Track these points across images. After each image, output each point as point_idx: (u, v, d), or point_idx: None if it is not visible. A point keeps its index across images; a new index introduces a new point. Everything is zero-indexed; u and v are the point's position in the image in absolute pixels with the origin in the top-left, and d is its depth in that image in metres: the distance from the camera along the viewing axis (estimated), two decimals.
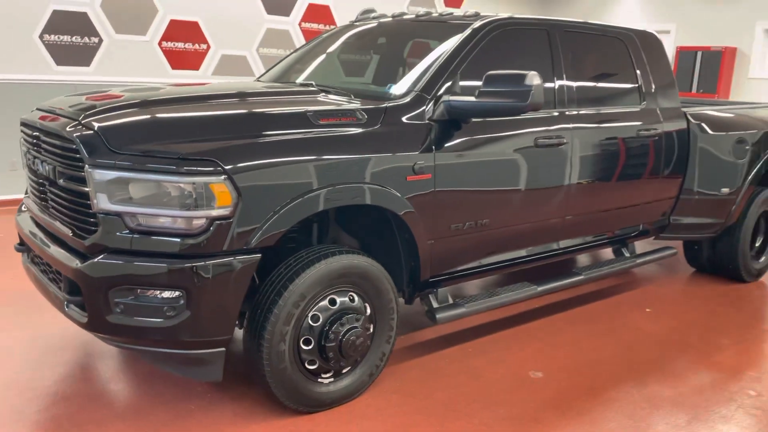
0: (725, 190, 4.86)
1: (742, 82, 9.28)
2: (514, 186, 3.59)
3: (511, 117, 3.40)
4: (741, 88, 9.29)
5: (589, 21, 4.32)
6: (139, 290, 2.62)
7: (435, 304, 3.51)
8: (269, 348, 2.79)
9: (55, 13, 6.80)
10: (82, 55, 7.07)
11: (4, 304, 4.24)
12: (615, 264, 4.48)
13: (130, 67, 7.38)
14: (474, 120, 3.35)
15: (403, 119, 3.17)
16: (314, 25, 8.74)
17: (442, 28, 3.75)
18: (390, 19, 4.17)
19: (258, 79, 4.45)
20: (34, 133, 3.05)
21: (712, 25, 9.46)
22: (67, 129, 2.71)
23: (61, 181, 2.78)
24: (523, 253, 3.86)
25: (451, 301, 3.59)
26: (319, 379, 3.01)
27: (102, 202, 2.57)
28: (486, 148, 3.43)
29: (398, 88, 3.38)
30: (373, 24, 4.23)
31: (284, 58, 4.53)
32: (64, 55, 6.96)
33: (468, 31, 3.53)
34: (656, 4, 10.08)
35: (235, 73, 8.15)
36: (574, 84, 3.94)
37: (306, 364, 2.94)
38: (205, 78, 7.95)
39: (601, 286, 5.03)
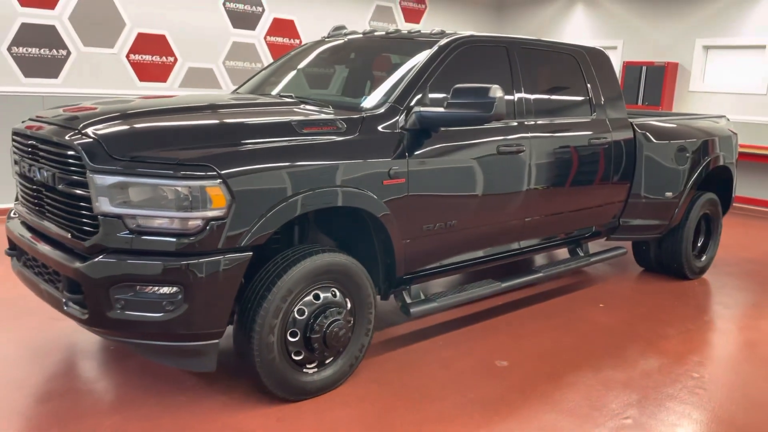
0: (669, 194, 5.28)
1: (683, 94, 9.88)
2: (478, 190, 3.88)
3: (476, 126, 3.71)
4: (682, 100, 9.88)
5: (544, 39, 4.68)
6: (138, 287, 2.81)
7: (408, 300, 3.77)
8: (259, 340, 3.00)
9: (23, 26, 6.87)
10: (50, 68, 7.14)
11: None
12: (571, 262, 4.84)
13: (98, 79, 7.47)
14: (443, 129, 3.65)
15: (379, 128, 3.45)
16: (279, 39, 8.97)
17: (411, 44, 4.04)
18: (361, 35, 4.45)
19: (236, 91, 4.66)
20: (29, 143, 3.21)
21: (656, 41, 10.05)
22: (67, 137, 2.90)
23: (60, 187, 2.95)
24: (488, 252, 4.16)
25: (422, 297, 3.86)
26: (304, 369, 3.24)
27: (103, 205, 2.76)
28: (453, 155, 3.73)
29: (373, 100, 3.66)
30: (346, 40, 4.51)
31: (260, 72, 4.75)
32: (32, 67, 7.01)
33: (435, 48, 3.84)
34: (604, 21, 10.65)
35: (202, 86, 8.31)
36: (532, 96, 4.28)
37: (292, 355, 3.16)
38: (173, 90, 8.08)
39: (559, 285, 5.39)
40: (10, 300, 4.51)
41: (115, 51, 7.59)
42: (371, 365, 3.68)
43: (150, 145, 2.87)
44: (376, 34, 4.39)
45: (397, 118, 3.52)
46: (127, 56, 7.68)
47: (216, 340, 2.96)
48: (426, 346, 4.03)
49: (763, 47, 9.04)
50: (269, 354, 3.05)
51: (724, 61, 9.54)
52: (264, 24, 8.79)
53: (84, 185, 2.83)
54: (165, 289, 2.81)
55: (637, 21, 10.26)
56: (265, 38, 8.84)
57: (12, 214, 3.66)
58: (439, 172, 3.65)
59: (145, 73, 7.83)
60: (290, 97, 3.91)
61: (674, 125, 5.51)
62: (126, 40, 7.63)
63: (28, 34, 6.93)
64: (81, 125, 2.95)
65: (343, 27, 4.75)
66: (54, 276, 3.10)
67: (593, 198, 4.80)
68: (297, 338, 3.14)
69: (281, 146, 3.05)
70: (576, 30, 10.99)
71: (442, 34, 4.03)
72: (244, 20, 8.57)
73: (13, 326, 4.09)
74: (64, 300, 2.99)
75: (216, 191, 2.78)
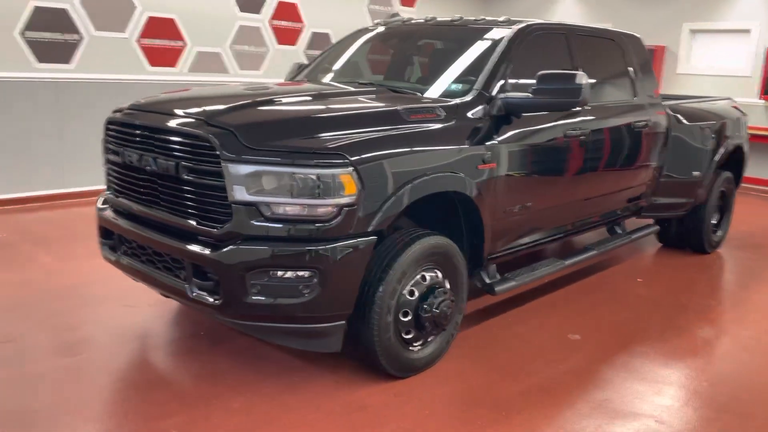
0: (696, 173, 5.58)
1: (671, 77, 10.29)
2: (549, 173, 4.09)
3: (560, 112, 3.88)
4: (670, 82, 10.29)
5: (590, 25, 4.87)
6: (275, 272, 2.89)
7: (487, 280, 3.94)
8: (379, 320, 3.13)
9: (36, 9, 6.69)
10: (63, 52, 6.97)
11: (59, 298, 4.32)
12: (617, 240, 5.10)
13: (110, 64, 7.33)
14: (523, 115, 3.81)
15: (469, 114, 3.59)
16: (283, 23, 8.94)
17: (484, 32, 4.16)
18: (425, 22, 4.54)
19: (294, 78, 4.71)
20: (138, 132, 3.23)
21: (644, 25, 10.40)
22: (196, 128, 2.95)
23: (184, 176, 2.99)
24: (553, 231, 4.36)
25: (498, 276, 4.04)
26: (410, 347, 3.38)
27: (239, 194, 2.83)
28: (530, 140, 3.89)
29: (459, 87, 3.79)
30: (415, 27, 4.58)
31: (322, 57, 4.80)
32: (45, 52, 6.84)
33: (511, 35, 3.98)
34: (593, 4, 10.96)
35: (210, 70, 8.24)
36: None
37: (402, 334, 3.30)
38: (182, 75, 7.99)
39: (593, 262, 5.64)
40: (73, 288, 4.50)
41: (127, 35, 7.45)
42: (455, 342, 3.84)
43: (281, 135, 2.95)
44: (439, 20, 4.50)
45: (485, 104, 3.66)
46: (138, 40, 7.55)
47: (343, 321, 3.08)
48: (497, 322, 4.22)
49: (748, 31, 9.48)
50: (386, 333, 3.18)
51: (710, 45, 9.97)
52: (269, 7, 8.74)
53: (214, 174, 2.89)
54: (300, 273, 2.90)
55: (625, 5, 10.59)
56: (269, 22, 8.80)
57: (102, 204, 3.67)
58: (519, 156, 3.81)
59: (155, 57, 7.72)
60: (371, 85, 4.00)
61: (700, 108, 5.79)
62: (137, 24, 7.50)
63: (40, 18, 6.75)
64: (207, 115, 3.01)
65: (398, 14, 4.83)
66: (174, 264, 3.15)
67: (636, 177, 5.05)
68: (408, 318, 3.28)
69: (399, 134, 3.16)
70: (565, 14, 11.26)
71: (510, 21, 4.18)
72: (249, 4, 8.51)
73: (90, 314, 4.10)
74: (188, 287, 3.05)
75: (348, 179, 2.88)
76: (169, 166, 3.05)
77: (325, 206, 2.86)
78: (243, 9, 8.45)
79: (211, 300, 2.97)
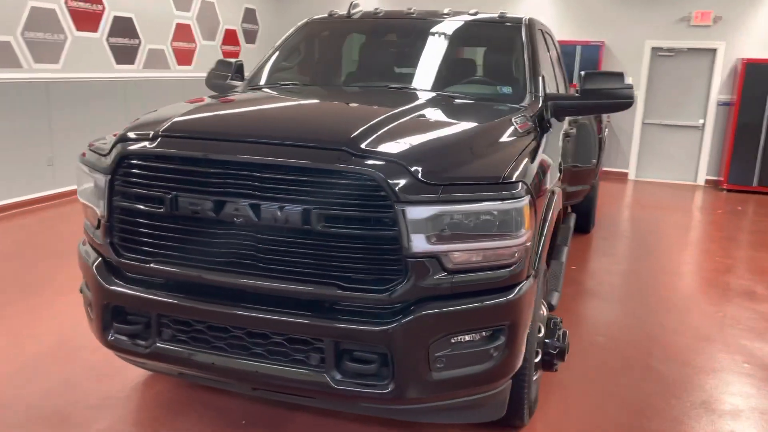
0: (593, 161, 5.94)
1: None
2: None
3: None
4: None
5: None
6: (458, 337, 2.26)
7: None
8: (529, 368, 2.67)
9: None
10: None
11: None
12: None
13: None
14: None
15: (537, 121, 3.23)
16: (82, 5, 7.28)
17: (496, 28, 3.79)
18: (407, 14, 3.99)
19: (253, 83, 3.79)
20: (206, 169, 2.25)
21: None
22: (328, 159, 2.14)
23: (319, 227, 2.16)
24: None
25: None
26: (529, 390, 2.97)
27: (418, 244, 2.14)
28: (559, 143, 3.68)
29: (510, 90, 3.40)
30: (407, 21, 3.98)
31: (273, 58, 3.92)
32: None
33: (526, 31, 3.69)
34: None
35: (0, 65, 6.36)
36: (562, 76, 4.42)
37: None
38: None
39: None
40: (14, 374, 3.07)
41: None
42: None
43: (450, 165, 2.28)
44: (428, 11, 4.00)
45: (543, 108, 3.34)
46: None
47: (510, 380, 2.55)
48: None
49: None
50: (531, 380, 2.74)
51: None
52: None
53: (376, 222, 2.14)
54: (487, 333, 2.31)
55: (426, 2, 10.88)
56: (66, 3, 7.09)
57: (105, 274, 2.50)
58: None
59: None
60: (409, 88, 3.38)
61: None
62: None
63: None
64: (348, 143, 2.19)
65: (357, 4, 4.18)
66: (292, 347, 2.27)
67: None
68: (539, 358, 2.87)
69: (532, 149, 2.69)
70: (364, 3, 11.16)
71: (504, 14, 3.90)
72: None
73: (63, 418, 2.82)
74: (327, 375, 2.23)
75: (528, 210, 2.35)
76: (290, 215, 2.17)
77: (513, 246, 2.30)
78: None
79: (374, 388, 2.21)
